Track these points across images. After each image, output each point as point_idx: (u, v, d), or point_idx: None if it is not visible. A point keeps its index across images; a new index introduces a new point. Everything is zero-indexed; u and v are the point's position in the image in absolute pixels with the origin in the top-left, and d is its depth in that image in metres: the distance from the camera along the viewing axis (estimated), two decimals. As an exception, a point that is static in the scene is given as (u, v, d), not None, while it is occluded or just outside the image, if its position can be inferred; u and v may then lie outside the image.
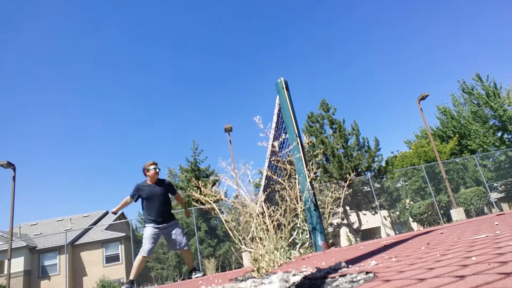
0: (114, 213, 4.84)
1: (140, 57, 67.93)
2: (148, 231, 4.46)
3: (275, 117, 4.77)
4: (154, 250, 20.24)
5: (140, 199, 4.68)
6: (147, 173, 4.67)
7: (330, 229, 16.59)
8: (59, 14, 63.03)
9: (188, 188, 18.97)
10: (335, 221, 16.39)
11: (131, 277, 4.46)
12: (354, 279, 0.73)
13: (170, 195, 4.83)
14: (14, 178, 13.44)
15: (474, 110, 25.49)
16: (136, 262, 4.41)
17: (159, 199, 4.59)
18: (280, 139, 4.26)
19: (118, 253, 24.08)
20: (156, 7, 72.60)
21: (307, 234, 3.47)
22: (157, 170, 4.69)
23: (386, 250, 1.37)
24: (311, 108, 33.25)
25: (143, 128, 63.93)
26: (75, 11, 64.91)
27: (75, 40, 61.54)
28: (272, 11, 72.70)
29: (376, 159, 16.76)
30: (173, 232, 4.60)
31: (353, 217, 17.53)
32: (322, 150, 16.07)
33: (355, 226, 17.05)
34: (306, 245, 3.37)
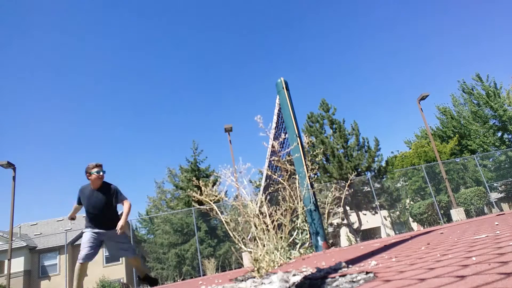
0: (71, 219, 4.35)
1: (140, 58, 68.03)
2: (85, 236, 4.00)
3: (275, 117, 4.77)
4: (154, 250, 20.20)
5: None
6: (89, 177, 4.02)
7: (330, 229, 16.58)
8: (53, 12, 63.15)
9: (188, 189, 18.98)
10: (335, 221, 16.40)
11: None
12: (354, 279, 0.73)
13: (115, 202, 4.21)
14: (14, 178, 13.44)
15: (474, 110, 25.49)
16: (75, 271, 3.94)
17: (98, 208, 4.02)
18: (280, 139, 4.26)
19: (118, 253, 24.08)
20: (157, 8, 72.72)
21: (307, 234, 3.47)
22: (101, 174, 4.02)
23: (386, 250, 1.37)
24: (311, 108, 33.29)
25: (143, 128, 63.98)
26: (74, 11, 65.03)
27: (75, 40, 61.63)
28: (272, 10, 72.83)
29: (376, 159, 16.76)
30: (115, 239, 4.11)
31: (353, 217, 17.53)
32: (322, 150, 16.07)
33: (355, 226, 17.05)
34: (306, 245, 3.37)
